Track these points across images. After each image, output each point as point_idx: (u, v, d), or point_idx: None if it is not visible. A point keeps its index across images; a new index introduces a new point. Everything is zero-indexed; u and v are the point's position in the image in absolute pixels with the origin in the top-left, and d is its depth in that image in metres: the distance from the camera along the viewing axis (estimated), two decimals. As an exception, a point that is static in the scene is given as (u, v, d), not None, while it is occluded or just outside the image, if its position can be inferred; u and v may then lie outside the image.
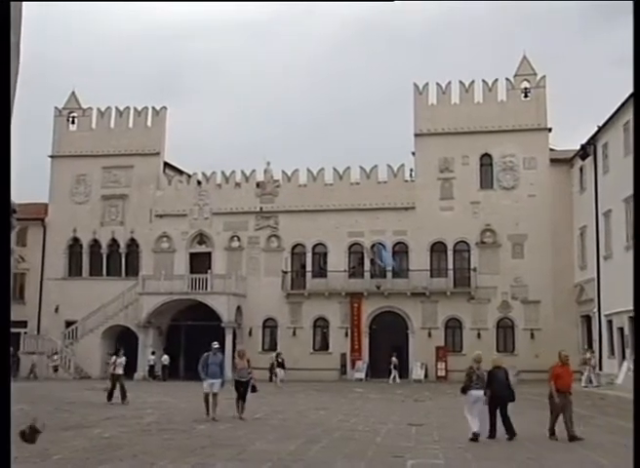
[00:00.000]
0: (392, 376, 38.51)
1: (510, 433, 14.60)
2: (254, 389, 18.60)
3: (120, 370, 23.67)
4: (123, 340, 43.39)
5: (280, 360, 34.83)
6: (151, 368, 41.15)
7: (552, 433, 14.77)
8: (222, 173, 45.57)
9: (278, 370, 34.08)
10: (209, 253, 44.96)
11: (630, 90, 32.22)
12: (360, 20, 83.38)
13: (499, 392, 14.80)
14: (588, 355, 34.87)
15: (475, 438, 14.27)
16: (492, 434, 14.72)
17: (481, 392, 14.68)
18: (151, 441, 14.37)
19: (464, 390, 14.90)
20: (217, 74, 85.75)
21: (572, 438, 14.35)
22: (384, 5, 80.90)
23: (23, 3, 4.17)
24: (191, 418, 18.37)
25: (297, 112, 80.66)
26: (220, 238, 44.77)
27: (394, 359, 39.39)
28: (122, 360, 23.87)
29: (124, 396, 23.15)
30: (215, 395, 18.20)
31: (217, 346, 19.20)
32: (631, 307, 32.20)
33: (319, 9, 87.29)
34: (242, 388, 18.38)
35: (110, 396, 23.36)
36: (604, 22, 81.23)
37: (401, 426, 16.90)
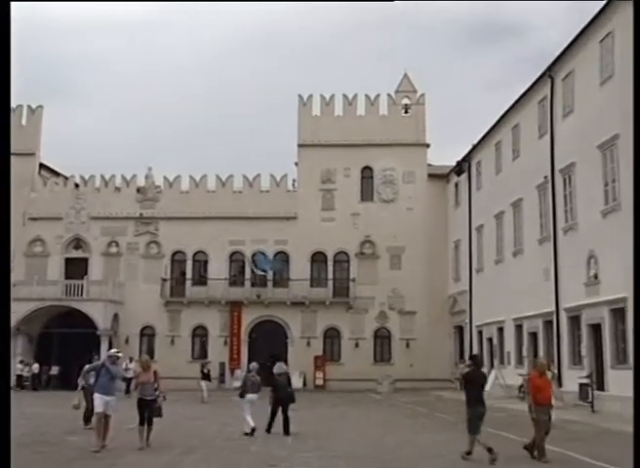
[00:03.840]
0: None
1: (286, 431, 16.85)
2: (158, 413, 14.76)
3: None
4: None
5: (206, 371, 31.86)
6: (19, 377, 39.43)
7: (543, 454, 12.82)
8: (102, 176, 44.52)
9: (203, 383, 30.74)
10: (85, 259, 43.76)
11: (500, 112, 34.05)
12: (250, 29, 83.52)
13: (282, 395, 17.19)
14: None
15: (252, 433, 16.56)
16: (269, 429, 17.04)
17: (255, 395, 17.16)
18: (21, 453, 13.90)
19: (242, 395, 17.26)
20: (99, 75, 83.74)
21: (540, 454, 12.82)
22: (274, 14, 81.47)
23: None
24: (63, 429, 17.87)
25: (181, 117, 79.83)
26: (98, 243, 43.68)
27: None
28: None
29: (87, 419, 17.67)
30: (108, 417, 14.42)
31: (114, 354, 15.32)
32: (500, 318, 33.85)
33: (209, 13, 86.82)
34: (147, 409, 14.57)
35: (88, 418, 17.58)
36: (479, 48, 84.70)
37: (277, 435, 17.03)
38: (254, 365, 18.36)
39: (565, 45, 26.82)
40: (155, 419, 14.83)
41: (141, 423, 14.61)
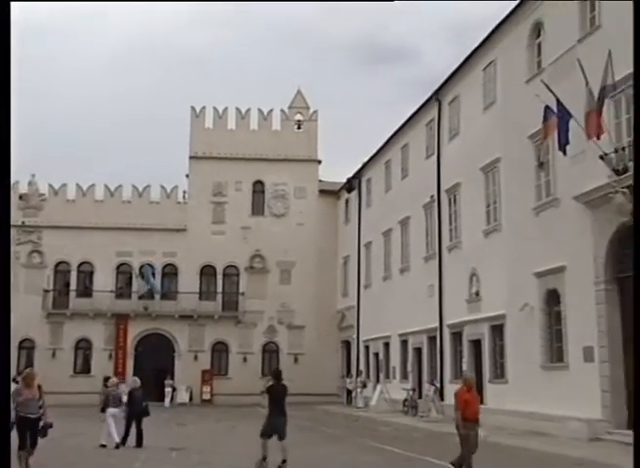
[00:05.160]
0: (169, 399, 38.28)
1: (139, 443, 17.66)
2: (44, 431, 12.74)
3: None
4: None
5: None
6: None
7: None
8: (-19, 182, 42.76)
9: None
10: (-39, 268, 41.87)
11: (390, 132, 35.01)
12: (144, 40, 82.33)
13: (136, 409, 17.97)
14: (363, 378, 36.98)
15: (118, 446, 17.27)
16: (123, 442, 17.72)
17: (117, 410, 17.87)
18: None
19: (103, 409, 17.95)
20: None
21: None
22: (168, 25, 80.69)
23: None
24: None
25: (69, 125, 77.67)
26: (-24, 252, 41.88)
27: (170, 382, 39.25)
28: None
29: None
30: None
31: None
32: (386, 334, 34.61)
33: (103, 23, 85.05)
34: (31, 429, 12.40)
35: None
36: (373, 69, 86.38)
37: (162, 451, 16.88)
38: (113, 380, 19.45)
39: (452, 70, 27.93)
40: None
41: (22, 447, 12.30)
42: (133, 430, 18.03)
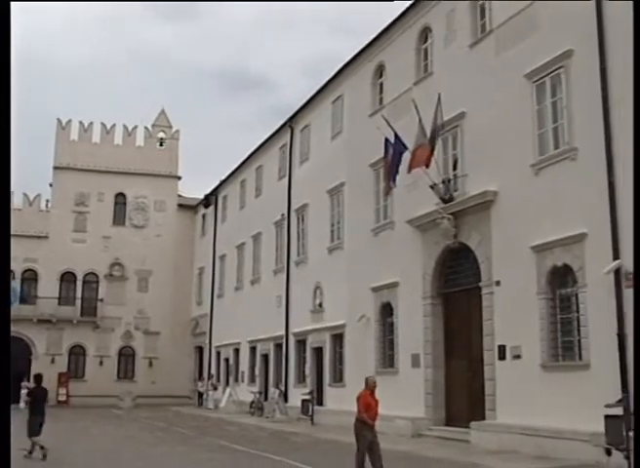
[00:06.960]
0: (24, 401, 36.56)
1: None
2: None
3: None
4: None
5: None
6: None
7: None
8: None
9: None
10: None
11: (246, 153, 35.23)
12: (19, 47, 78.27)
13: None
14: (214, 381, 36.77)
15: None
16: None
17: None
18: None
19: None
20: None
21: None
22: (35, 37, 77.24)
23: None
24: None
25: None
26: None
27: (26, 384, 37.43)
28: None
29: None
30: None
31: None
32: (236, 340, 34.65)
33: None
34: None
35: None
36: (234, 94, 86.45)
37: (13, 452, 16.05)
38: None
39: (304, 101, 28.56)
40: None
41: None
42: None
